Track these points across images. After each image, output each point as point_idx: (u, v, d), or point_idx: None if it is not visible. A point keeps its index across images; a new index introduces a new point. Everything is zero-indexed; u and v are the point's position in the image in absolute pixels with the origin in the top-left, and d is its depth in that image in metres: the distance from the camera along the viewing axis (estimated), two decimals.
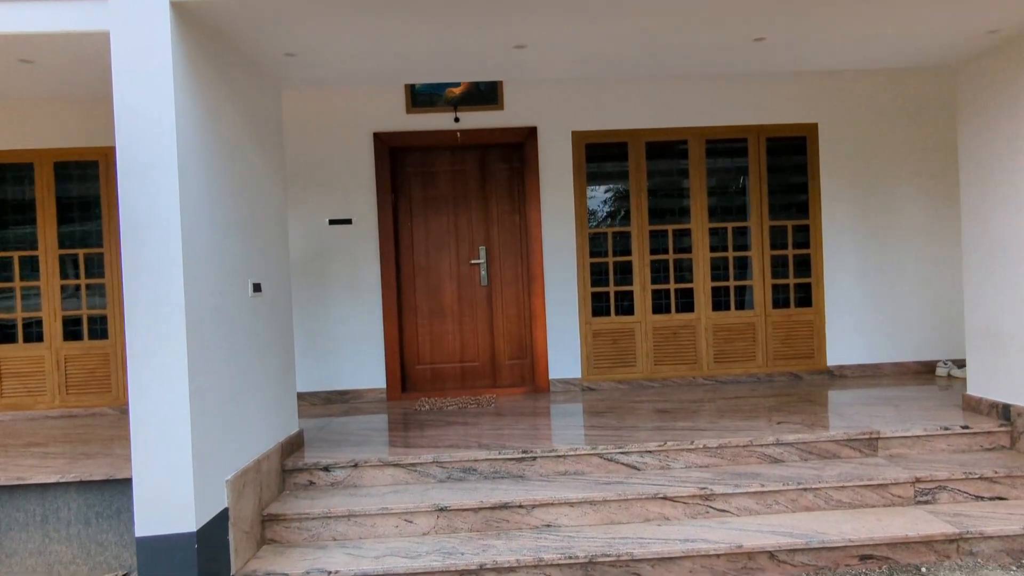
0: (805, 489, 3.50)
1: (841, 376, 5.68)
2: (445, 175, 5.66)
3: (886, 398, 4.74)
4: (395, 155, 5.60)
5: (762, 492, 3.48)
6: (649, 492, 3.45)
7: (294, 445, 3.94)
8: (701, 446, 3.78)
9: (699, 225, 5.64)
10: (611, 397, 5.23)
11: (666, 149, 5.64)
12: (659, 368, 5.63)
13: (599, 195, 5.63)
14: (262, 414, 3.54)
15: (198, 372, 2.85)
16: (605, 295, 5.63)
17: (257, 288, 3.52)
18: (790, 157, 5.70)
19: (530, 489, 3.54)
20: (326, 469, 3.72)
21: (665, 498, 3.45)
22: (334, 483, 3.72)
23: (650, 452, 3.78)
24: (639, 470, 3.77)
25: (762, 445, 3.81)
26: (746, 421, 4.21)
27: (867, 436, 3.84)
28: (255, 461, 3.37)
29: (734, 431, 3.96)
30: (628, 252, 5.63)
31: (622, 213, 5.64)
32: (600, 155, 5.62)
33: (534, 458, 3.76)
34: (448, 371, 5.69)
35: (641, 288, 5.62)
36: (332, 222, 5.48)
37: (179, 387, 2.75)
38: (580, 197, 5.56)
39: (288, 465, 3.71)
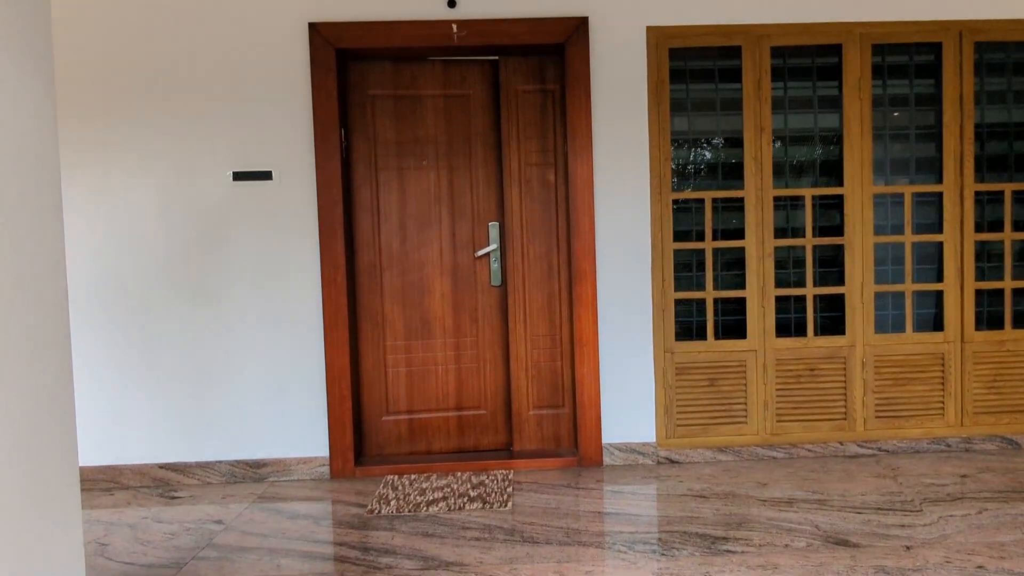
0: None
1: None
2: (433, 102, 3.41)
3: None
4: (347, 64, 3.35)
5: None
6: None
7: None
8: None
9: (857, 189, 3.36)
10: (716, 486, 2.99)
11: (805, 61, 3.37)
12: (784, 426, 3.39)
13: (691, 137, 3.37)
14: None
15: None
16: (698, 305, 3.38)
17: None
18: (1012, 76, 3.41)
19: None
20: None
21: None
22: None
23: None
24: None
25: None
26: None
27: None
28: None
29: None
30: (739, 234, 3.37)
31: (729, 168, 3.37)
32: (694, 69, 3.35)
33: None
34: (435, 424, 3.47)
35: (759, 293, 3.37)
36: (238, 176, 3.24)
37: None
38: (660, 140, 3.30)
39: None
